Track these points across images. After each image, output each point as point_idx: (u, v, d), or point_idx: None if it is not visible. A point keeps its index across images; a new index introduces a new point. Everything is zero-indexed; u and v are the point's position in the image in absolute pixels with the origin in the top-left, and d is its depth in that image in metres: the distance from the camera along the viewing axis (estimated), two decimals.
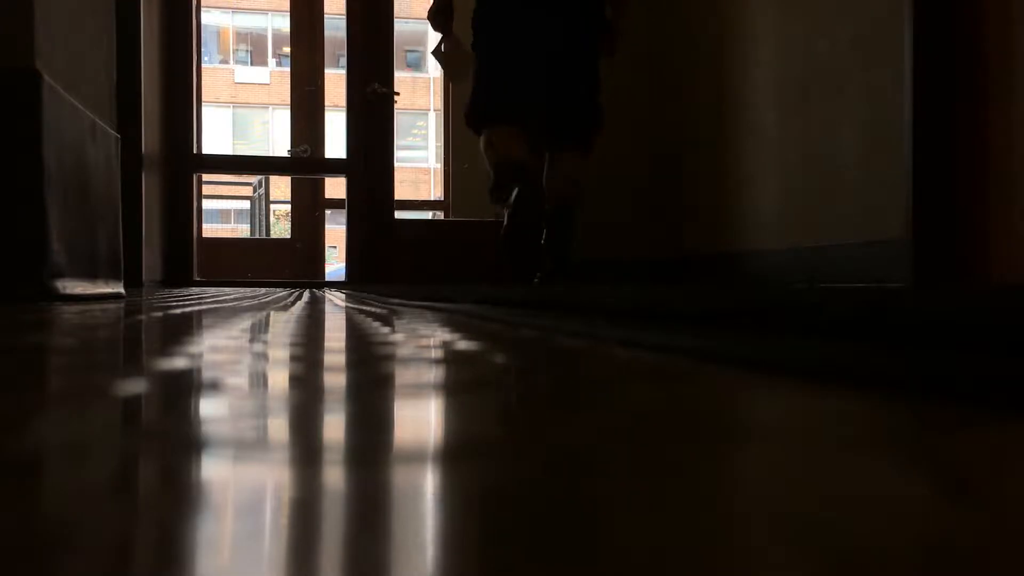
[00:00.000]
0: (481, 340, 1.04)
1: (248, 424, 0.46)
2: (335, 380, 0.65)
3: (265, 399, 0.57)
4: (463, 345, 0.96)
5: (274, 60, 22.82)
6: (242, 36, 23.37)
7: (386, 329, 1.22)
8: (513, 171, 3.37)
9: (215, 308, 1.98)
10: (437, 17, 3.61)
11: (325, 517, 0.29)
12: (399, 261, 5.36)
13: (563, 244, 3.54)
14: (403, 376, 0.68)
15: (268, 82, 22.74)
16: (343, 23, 5.53)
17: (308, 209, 7.02)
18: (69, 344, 1.00)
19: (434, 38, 3.82)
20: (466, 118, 3.58)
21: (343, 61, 5.69)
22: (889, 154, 3.35)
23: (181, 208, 5.43)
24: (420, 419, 0.51)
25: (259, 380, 0.67)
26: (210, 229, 9.89)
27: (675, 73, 5.13)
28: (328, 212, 7.48)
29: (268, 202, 9.70)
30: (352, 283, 5.49)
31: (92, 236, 2.65)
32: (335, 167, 6.20)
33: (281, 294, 3.57)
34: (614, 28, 3.56)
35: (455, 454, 0.39)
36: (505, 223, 3.45)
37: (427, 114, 22.36)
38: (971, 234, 3.15)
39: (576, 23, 3.45)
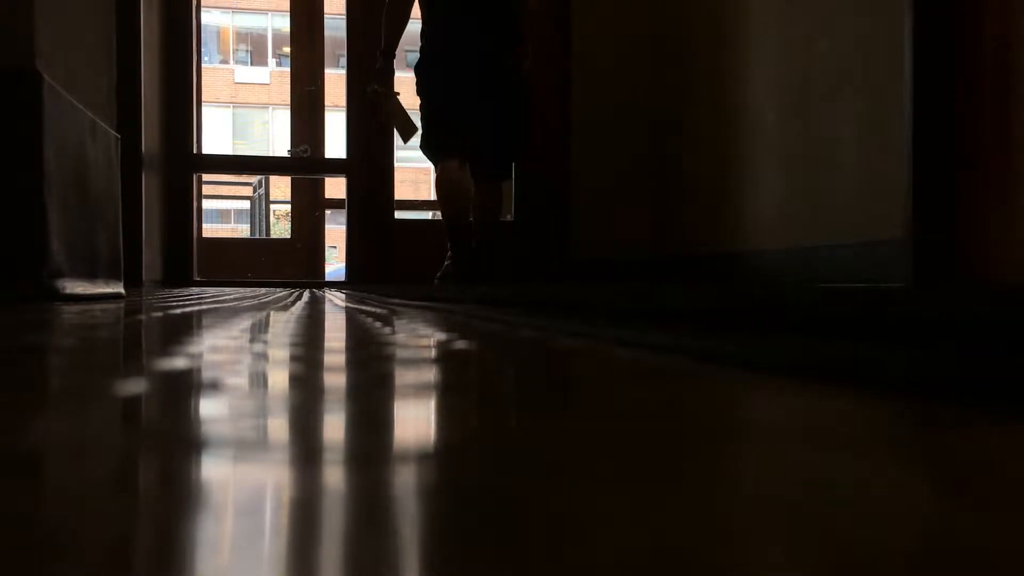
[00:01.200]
0: (481, 340, 1.04)
1: (248, 424, 0.46)
2: (335, 380, 0.65)
3: (265, 399, 0.57)
4: (463, 345, 0.96)
5: (274, 60, 22.80)
6: (242, 36, 23.35)
7: (387, 329, 1.22)
8: (461, 229, 3.72)
9: (215, 308, 1.98)
10: (380, 74, 3.78)
11: (325, 517, 0.29)
12: (399, 261, 5.36)
13: (485, 258, 3.77)
14: (403, 377, 0.68)
15: (268, 82, 22.72)
16: (343, 23, 5.52)
17: (308, 209, 7.01)
18: (69, 344, 1.00)
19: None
20: (423, 150, 3.80)
21: (343, 61, 5.69)
22: (889, 154, 3.35)
23: (181, 208, 5.43)
24: (420, 419, 0.51)
25: (259, 380, 0.67)
26: (210, 229, 9.88)
27: (675, 74, 5.13)
28: (328, 212, 7.47)
29: (268, 202, 9.71)
30: (352, 283, 5.49)
31: (92, 236, 2.65)
32: (335, 167, 6.20)
33: (281, 294, 3.57)
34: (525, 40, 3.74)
35: (455, 454, 0.39)
36: (448, 267, 3.81)
37: None
38: (971, 234, 3.15)
39: (502, 43, 3.64)
